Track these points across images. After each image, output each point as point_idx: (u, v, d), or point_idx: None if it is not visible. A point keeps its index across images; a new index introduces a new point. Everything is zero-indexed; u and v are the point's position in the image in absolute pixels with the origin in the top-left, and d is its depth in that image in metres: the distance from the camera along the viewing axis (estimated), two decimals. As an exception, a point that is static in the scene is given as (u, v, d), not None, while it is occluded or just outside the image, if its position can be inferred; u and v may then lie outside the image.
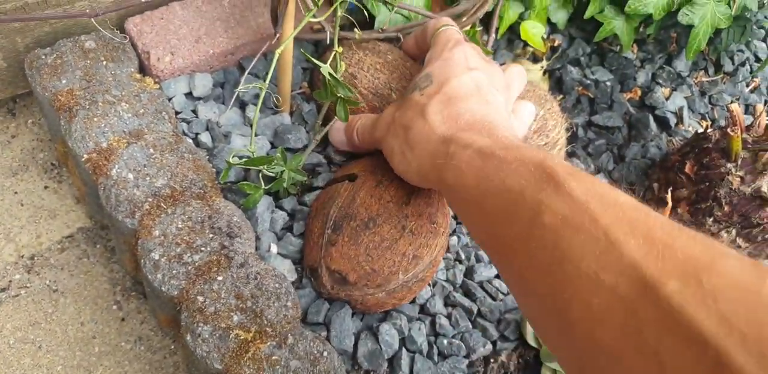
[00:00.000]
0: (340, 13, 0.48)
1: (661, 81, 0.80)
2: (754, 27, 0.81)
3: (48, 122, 0.57)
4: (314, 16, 0.48)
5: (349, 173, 0.49)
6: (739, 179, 0.60)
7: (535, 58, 0.75)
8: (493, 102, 0.44)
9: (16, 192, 0.60)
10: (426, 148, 0.42)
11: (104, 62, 0.50)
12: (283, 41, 0.47)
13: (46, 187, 0.60)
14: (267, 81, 0.45)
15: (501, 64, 0.73)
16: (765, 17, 0.81)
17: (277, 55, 0.46)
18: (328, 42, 0.55)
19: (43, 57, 0.50)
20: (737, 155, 0.60)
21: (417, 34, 0.55)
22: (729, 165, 0.60)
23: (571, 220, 0.30)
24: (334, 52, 0.49)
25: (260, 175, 0.47)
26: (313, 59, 0.48)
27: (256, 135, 0.54)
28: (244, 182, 0.46)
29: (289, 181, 0.48)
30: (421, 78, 0.46)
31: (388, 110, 0.48)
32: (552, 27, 0.78)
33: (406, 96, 0.46)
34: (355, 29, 0.53)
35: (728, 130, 0.60)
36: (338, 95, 0.49)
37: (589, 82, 0.76)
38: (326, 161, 0.54)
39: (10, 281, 0.57)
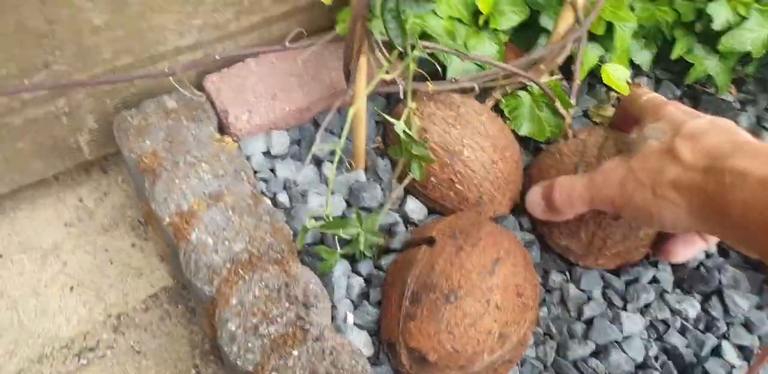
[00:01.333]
0: (412, 67, 0.46)
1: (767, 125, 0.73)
2: None
3: (134, 181, 0.58)
4: (387, 72, 0.46)
5: (427, 236, 0.46)
6: None
7: (620, 102, 0.70)
8: (744, 134, 0.41)
9: (107, 250, 0.62)
10: (694, 184, 0.39)
11: (185, 122, 0.51)
12: (356, 99, 0.46)
13: (133, 245, 0.61)
14: (342, 139, 0.44)
15: (584, 111, 0.69)
16: None
17: (351, 113, 0.45)
18: (401, 95, 0.54)
19: (130, 119, 0.51)
20: None
21: (622, 106, 0.55)
22: None
23: None
24: (407, 109, 0.47)
25: (336, 238, 0.45)
26: (387, 116, 0.46)
27: (332, 193, 0.52)
28: (321, 246, 0.44)
29: (366, 243, 0.46)
30: (649, 130, 0.44)
31: (609, 164, 0.45)
32: (635, 69, 0.74)
33: (636, 146, 0.44)
34: (428, 82, 0.51)
35: None
36: (413, 152, 0.47)
37: (681, 126, 0.71)
38: (402, 220, 0.52)
39: (98, 340, 0.58)
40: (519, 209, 0.57)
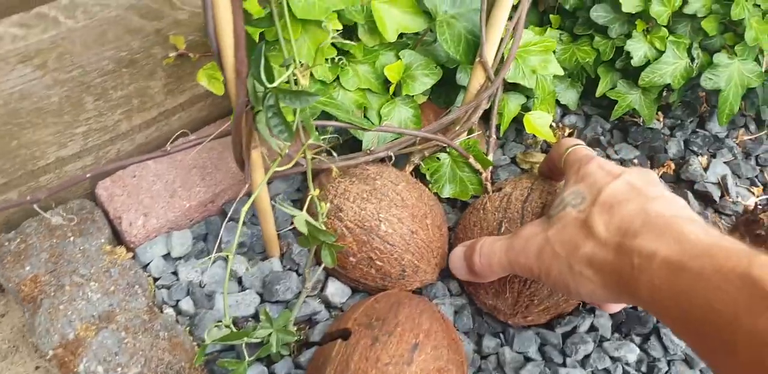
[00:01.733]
0: (309, 155, 0.45)
1: (695, 148, 0.73)
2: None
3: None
4: (285, 153, 0.45)
5: (342, 327, 0.45)
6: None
7: (549, 146, 0.70)
8: (660, 196, 0.40)
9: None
10: (606, 263, 0.38)
11: (72, 238, 0.49)
12: (255, 191, 0.44)
13: (37, 367, 0.56)
14: (235, 240, 0.42)
15: (512, 158, 0.68)
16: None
17: (245, 208, 0.43)
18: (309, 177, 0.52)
19: (7, 243, 0.49)
20: (798, 242, 0.52)
21: (548, 158, 0.54)
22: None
23: None
24: (309, 197, 0.46)
25: (243, 344, 0.44)
26: (288, 208, 0.44)
27: (244, 289, 0.50)
28: (224, 360, 0.42)
29: (279, 344, 0.44)
30: (568, 196, 0.43)
31: (528, 229, 0.44)
32: (564, 108, 0.73)
33: (555, 214, 0.43)
34: (333, 165, 0.49)
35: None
36: (321, 240, 0.46)
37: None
38: (324, 306, 0.50)
39: None
40: (447, 272, 0.56)
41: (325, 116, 0.53)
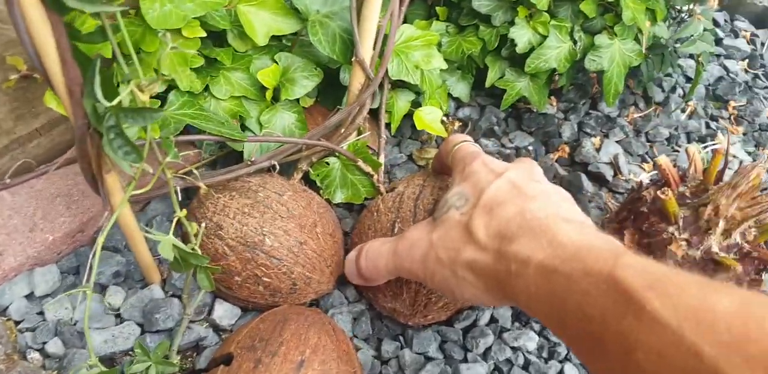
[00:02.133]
0: (170, 175, 0.42)
1: (589, 130, 0.74)
2: (674, 51, 0.75)
3: None
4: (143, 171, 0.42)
5: (226, 352, 0.42)
6: (684, 243, 0.53)
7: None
8: (539, 194, 0.39)
9: None
10: (487, 269, 0.37)
11: None
12: (112, 218, 0.41)
13: None
14: (93, 274, 0.39)
15: (408, 155, 0.67)
16: (680, 39, 0.75)
17: (103, 237, 0.40)
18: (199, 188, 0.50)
19: None
20: (676, 217, 0.53)
21: (437, 155, 0.53)
22: (670, 229, 0.53)
23: (668, 357, 0.25)
24: (176, 218, 0.43)
25: (120, 381, 0.41)
26: (152, 233, 0.42)
27: (122, 321, 0.47)
28: (95, 403, 0.39)
29: (159, 378, 0.41)
30: (452, 197, 0.42)
31: (414, 232, 0.43)
32: (457, 101, 0.73)
33: (440, 217, 0.42)
34: (201, 184, 0.47)
35: (659, 193, 0.53)
36: (194, 264, 0.43)
37: (509, 151, 0.70)
38: (213, 330, 0.48)
39: None
40: (344, 280, 0.54)
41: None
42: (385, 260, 0.44)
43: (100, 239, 0.39)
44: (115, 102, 0.36)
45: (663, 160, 0.57)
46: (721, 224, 0.51)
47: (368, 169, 0.56)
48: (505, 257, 0.36)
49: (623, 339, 0.27)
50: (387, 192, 0.55)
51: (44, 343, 0.45)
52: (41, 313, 0.47)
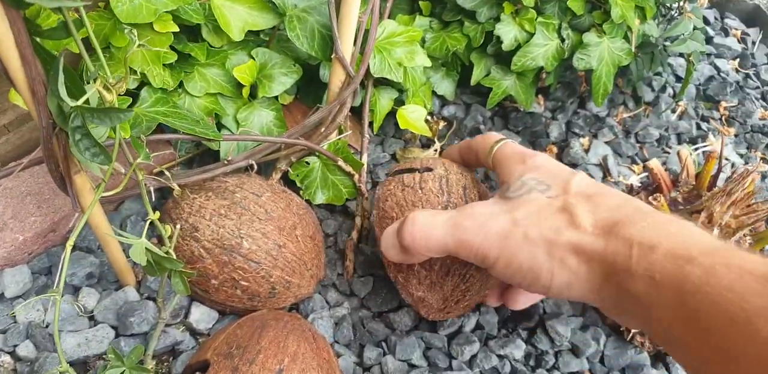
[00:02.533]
0: (141, 176, 0.41)
1: (577, 130, 0.73)
2: (664, 50, 0.74)
3: None
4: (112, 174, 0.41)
5: (202, 359, 0.41)
6: (676, 249, 0.52)
7: (429, 140, 0.68)
8: (629, 197, 0.37)
9: None
10: (595, 251, 0.34)
11: None
12: (82, 219, 0.40)
13: None
14: (62, 277, 0.38)
15: (392, 155, 0.66)
16: (669, 38, 0.75)
17: (72, 240, 0.39)
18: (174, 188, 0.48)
19: None
20: (667, 222, 0.52)
21: (461, 150, 0.50)
22: (662, 235, 0.52)
23: None
24: (148, 220, 0.42)
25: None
26: (123, 235, 0.40)
27: (96, 324, 0.46)
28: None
29: (131, 384, 0.40)
30: (528, 179, 0.39)
31: (482, 207, 0.39)
32: (442, 99, 0.72)
33: (518, 197, 0.38)
34: (174, 184, 0.45)
35: (651, 200, 0.52)
36: (168, 268, 0.42)
37: (495, 150, 0.69)
38: (190, 334, 0.46)
39: None
40: (327, 280, 0.53)
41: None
42: (443, 232, 0.39)
43: (70, 243, 0.38)
44: (80, 101, 0.35)
45: (654, 163, 0.56)
46: (716, 232, 0.50)
47: (349, 169, 0.55)
48: (624, 240, 0.33)
49: None
50: (420, 172, 0.49)
51: (15, 346, 0.43)
52: (12, 316, 0.45)
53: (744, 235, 0.50)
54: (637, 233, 0.32)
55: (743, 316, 0.27)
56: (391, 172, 0.52)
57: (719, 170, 0.54)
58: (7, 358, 0.43)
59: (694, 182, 0.56)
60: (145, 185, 0.43)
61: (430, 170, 0.49)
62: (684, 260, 0.30)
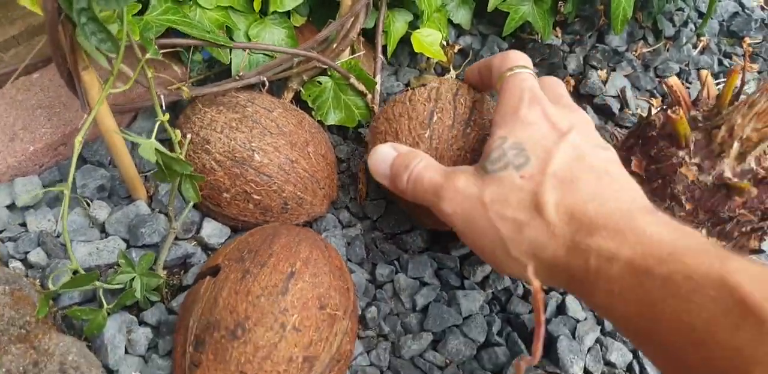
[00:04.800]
0: (150, 74, 0.39)
1: (595, 63, 0.71)
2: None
3: None
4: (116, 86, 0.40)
5: (213, 264, 0.41)
6: (695, 167, 0.50)
7: (444, 69, 0.66)
8: (609, 170, 0.35)
9: None
10: (555, 258, 0.33)
11: None
12: (90, 115, 0.39)
13: None
14: (68, 180, 0.37)
15: (406, 84, 0.64)
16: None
17: (80, 136, 0.38)
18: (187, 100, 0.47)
19: None
20: (687, 140, 0.50)
21: (480, 68, 0.46)
22: (681, 153, 0.51)
23: None
24: (157, 122, 0.41)
25: (101, 291, 0.39)
26: (130, 135, 0.39)
27: (107, 236, 0.45)
28: (76, 309, 0.37)
29: (143, 289, 0.40)
30: (510, 148, 0.37)
31: (463, 176, 0.37)
32: (458, 29, 0.69)
33: (494, 171, 0.36)
34: (183, 87, 0.44)
35: (669, 112, 0.51)
36: (179, 172, 0.41)
37: (511, 81, 0.67)
38: (201, 248, 0.46)
39: None
40: (340, 203, 0.53)
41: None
42: (426, 190, 0.39)
43: (78, 138, 0.37)
44: (85, -16, 0.34)
45: (674, 80, 0.54)
46: (736, 146, 0.48)
47: (362, 88, 0.53)
48: (583, 251, 0.31)
49: (736, 353, 0.25)
50: (414, 88, 0.49)
51: (26, 253, 0.43)
52: (23, 224, 0.45)
53: (765, 152, 0.49)
54: (596, 242, 0.31)
55: (702, 324, 0.26)
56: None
57: (741, 88, 0.52)
58: (18, 264, 0.42)
59: (714, 102, 0.54)
60: (156, 94, 0.41)
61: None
62: (642, 271, 0.29)
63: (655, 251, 0.29)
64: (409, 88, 0.52)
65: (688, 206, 0.50)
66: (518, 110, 0.38)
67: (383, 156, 0.42)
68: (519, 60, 0.43)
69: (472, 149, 0.45)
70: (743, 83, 0.51)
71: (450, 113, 0.46)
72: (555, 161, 0.35)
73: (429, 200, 0.39)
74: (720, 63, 0.75)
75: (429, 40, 0.60)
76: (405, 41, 0.61)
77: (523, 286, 0.50)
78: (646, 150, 0.54)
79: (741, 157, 0.49)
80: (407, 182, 0.40)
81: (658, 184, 0.52)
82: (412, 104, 0.47)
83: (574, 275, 0.32)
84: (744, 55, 0.77)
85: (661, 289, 0.28)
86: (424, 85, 0.49)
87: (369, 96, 0.54)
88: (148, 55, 0.38)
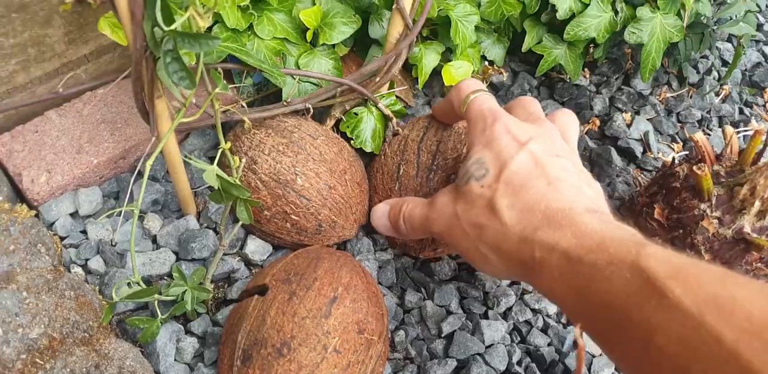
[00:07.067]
0: (218, 106, 0.43)
1: (620, 105, 0.74)
2: (713, 32, 0.74)
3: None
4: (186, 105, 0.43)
5: (260, 284, 0.44)
6: (716, 221, 0.53)
7: (476, 102, 0.69)
8: (561, 175, 0.40)
9: None
10: (510, 251, 0.38)
11: None
12: (162, 143, 0.42)
13: None
14: (140, 196, 0.40)
15: (395, 134, 0.67)
16: (719, 20, 0.75)
17: (151, 161, 0.41)
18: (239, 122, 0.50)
19: None
20: (710, 194, 0.53)
21: (446, 101, 0.50)
22: (703, 206, 0.53)
23: (688, 341, 0.27)
24: (220, 150, 0.44)
25: (156, 302, 0.42)
26: (196, 161, 0.42)
27: (158, 247, 0.48)
28: (134, 318, 0.40)
29: (194, 302, 0.43)
30: (472, 164, 0.42)
31: (441, 199, 0.44)
32: (490, 65, 0.73)
33: (462, 186, 0.42)
34: (245, 117, 0.48)
35: (695, 168, 0.53)
36: (235, 195, 0.44)
37: (540, 118, 0.70)
38: (244, 264, 0.49)
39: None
40: (373, 229, 0.55)
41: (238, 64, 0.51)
42: (419, 223, 0.46)
43: (149, 162, 0.40)
44: (173, 26, 0.37)
45: (699, 136, 0.57)
46: (757, 204, 0.51)
47: (388, 112, 0.56)
48: (530, 244, 0.37)
49: (645, 324, 0.29)
50: (393, 136, 0.56)
51: (87, 260, 0.46)
52: (84, 232, 0.48)
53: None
54: (540, 236, 0.36)
55: (621, 302, 0.30)
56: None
57: (764, 148, 0.55)
58: (79, 270, 0.45)
59: (737, 158, 0.56)
60: (213, 115, 0.44)
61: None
62: (575, 260, 0.34)
63: (587, 243, 0.34)
64: (393, 134, 0.58)
65: (706, 257, 0.53)
66: (484, 130, 0.43)
67: (380, 213, 0.50)
68: (472, 86, 0.47)
69: (437, 190, 0.49)
70: (767, 144, 0.54)
71: (413, 163, 0.52)
72: (509, 170, 0.40)
73: (426, 231, 0.45)
74: (741, 112, 0.78)
75: (460, 72, 0.63)
76: (439, 73, 0.65)
77: (544, 319, 0.52)
78: (668, 200, 0.56)
79: (761, 214, 0.51)
80: (404, 225, 0.47)
81: (679, 233, 0.54)
82: (384, 158, 0.55)
83: (525, 264, 0.37)
84: (765, 106, 0.80)
85: (589, 274, 0.33)
86: (397, 133, 0.56)
87: (394, 120, 0.57)
88: (218, 89, 0.41)
